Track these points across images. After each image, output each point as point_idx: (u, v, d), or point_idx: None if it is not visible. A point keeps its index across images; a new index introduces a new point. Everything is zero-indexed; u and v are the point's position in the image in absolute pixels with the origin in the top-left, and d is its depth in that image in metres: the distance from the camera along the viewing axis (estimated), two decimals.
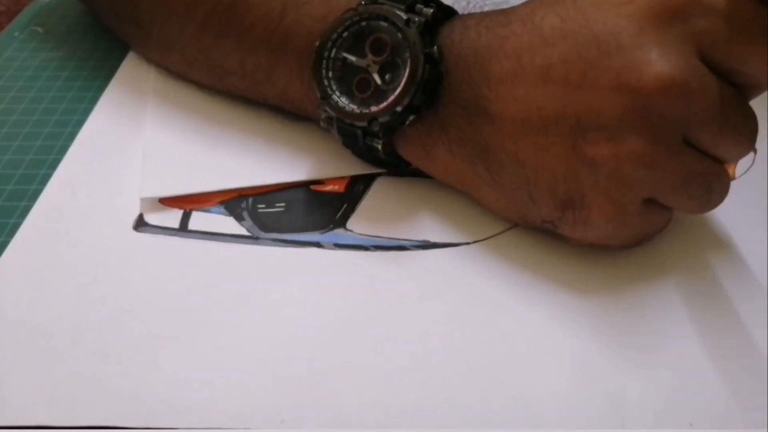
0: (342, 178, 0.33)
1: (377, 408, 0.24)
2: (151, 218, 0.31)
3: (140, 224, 0.31)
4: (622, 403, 0.23)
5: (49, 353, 0.25)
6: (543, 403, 0.24)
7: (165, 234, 0.30)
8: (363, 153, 0.32)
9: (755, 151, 0.34)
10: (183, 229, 0.31)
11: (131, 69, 0.42)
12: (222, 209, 0.32)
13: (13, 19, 0.49)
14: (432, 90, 0.28)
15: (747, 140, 0.25)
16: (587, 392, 0.24)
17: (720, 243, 0.29)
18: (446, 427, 0.23)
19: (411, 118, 0.28)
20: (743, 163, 0.33)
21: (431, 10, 0.28)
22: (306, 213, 0.31)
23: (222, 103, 0.38)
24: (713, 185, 0.26)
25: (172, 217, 0.31)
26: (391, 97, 0.28)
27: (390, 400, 0.24)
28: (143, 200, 0.32)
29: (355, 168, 0.33)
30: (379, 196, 0.32)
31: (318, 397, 0.24)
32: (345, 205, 0.32)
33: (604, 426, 0.23)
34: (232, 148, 0.35)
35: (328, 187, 0.33)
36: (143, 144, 0.35)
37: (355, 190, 0.33)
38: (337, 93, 0.30)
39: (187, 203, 0.32)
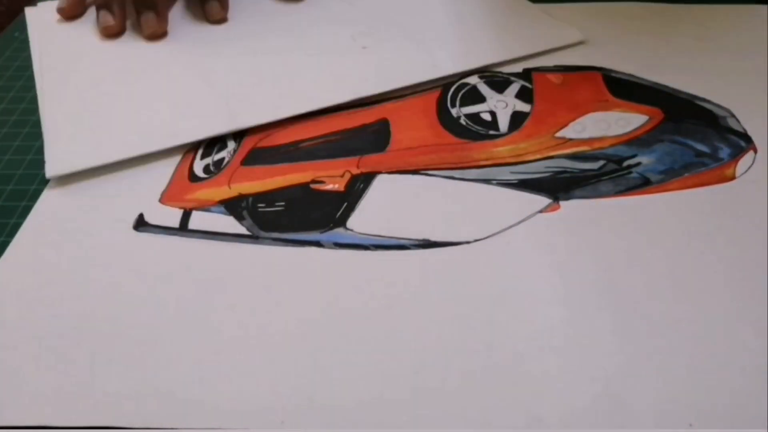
0: (341, 176, 0.33)
1: (377, 408, 0.24)
2: (151, 218, 0.31)
3: (140, 224, 0.31)
4: (622, 403, 0.24)
5: (49, 353, 0.25)
6: (543, 403, 0.24)
7: (165, 234, 0.30)
8: None
9: (755, 151, 0.34)
10: (183, 228, 0.31)
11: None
12: (222, 208, 0.32)
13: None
14: None
15: None
16: (587, 392, 0.24)
17: (720, 243, 0.29)
18: (446, 427, 0.23)
19: None
20: (743, 163, 0.33)
21: None
22: (306, 212, 0.31)
23: (122, 67, 0.38)
24: None
25: (172, 217, 0.31)
26: None
27: (390, 400, 0.24)
28: (52, 179, 0.32)
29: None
30: (379, 195, 0.32)
31: (318, 397, 0.24)
32: (345, 204, 0.32)
33: (604, 426, 0.23)
34: (139, 111, 0.35)
35: (328, 186, 0.33)
36: (43, 121, 0.34)
37: (355, 189, 0.33)
38: None
39: (187, 202, 0.32)
